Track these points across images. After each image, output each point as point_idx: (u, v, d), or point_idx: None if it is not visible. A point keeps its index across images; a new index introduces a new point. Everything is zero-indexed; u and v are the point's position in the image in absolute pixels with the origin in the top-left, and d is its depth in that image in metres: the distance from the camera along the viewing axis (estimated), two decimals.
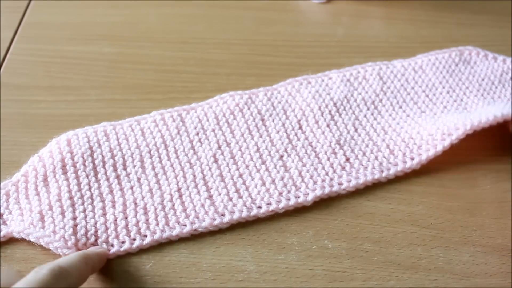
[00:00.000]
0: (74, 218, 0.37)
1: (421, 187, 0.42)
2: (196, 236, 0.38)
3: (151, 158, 0.41)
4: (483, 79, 0.49)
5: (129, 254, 0.36)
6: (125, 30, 0.54)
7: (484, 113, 0.43)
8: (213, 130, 0.43)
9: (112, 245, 0.36)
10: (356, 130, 0.44)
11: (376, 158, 0.42)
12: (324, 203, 0.40)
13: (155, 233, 0.37)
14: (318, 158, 0.42)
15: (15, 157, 0.41)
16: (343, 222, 0.39)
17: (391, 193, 0.41)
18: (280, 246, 0.37)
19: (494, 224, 0.39)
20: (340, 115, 0.45)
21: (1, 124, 0.44)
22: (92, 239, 0.36)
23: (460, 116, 0.44)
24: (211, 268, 0.36)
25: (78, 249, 0.35)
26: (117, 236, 0.37)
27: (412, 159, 0.42)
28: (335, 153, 0.42)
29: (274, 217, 0.39)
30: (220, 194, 0.39)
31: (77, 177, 0.40)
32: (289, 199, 0.39)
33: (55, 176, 0.39)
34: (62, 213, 0.37)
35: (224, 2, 0.58)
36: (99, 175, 0.40)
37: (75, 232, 0.36)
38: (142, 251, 0.37)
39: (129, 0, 0.58)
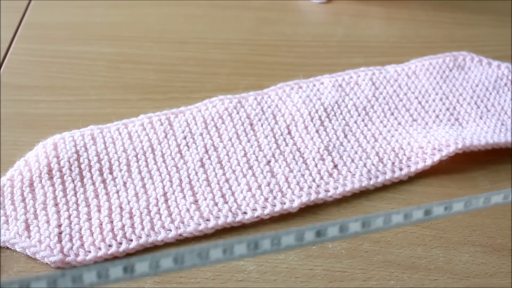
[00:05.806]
0: (59, 225, 0.37)
1: (421, 187, 0.42)
2: (196, 236, 0.38)
3: (137, 162, 0.41)
4: (477, 85, 0.49)
5: (127, 254, 0.36)
6: (125, 30, 0.54)
7: (476, 133, 0.44)
8: (201, 134, 0.43)
9: (100, 248, 0.36)
10: (345, 136, 0.44)
11: (365, 165, 0.42)
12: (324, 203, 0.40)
13: (140, 237, 0.37)
14: (306, 164, 0.42)
15: (15, 157, 0.41)
16: None
17: (391, 193, 0.41)
18: None
19: (494, 224, 0.39)
20: (330, 120, 0.45)
21: (1, 124, 0.44)
22: (78, 243, 0.36)
23: (451, 130, 0.44)
24: (211, 268, 0.36)
25: (64, 255, 0.35)
26: (103, 240, 0.36)
27: (401, 169, 0.42)
28: (323, 160, 0.42)
29: (273, 217, 0.39)
30: (206, 199, 0.39)
31: (63, 182, 0.39)
32: (274, 205, 0.39)
33: (41, 182, 0.39)
34: (48, 221, 0.37)
35: (224, 2, 0.58)
36: (85, 180, 0.40)
37: (60, 240, 0.36)
38: (142, 251, 0.37)
39: (129, 0, 0.58)
